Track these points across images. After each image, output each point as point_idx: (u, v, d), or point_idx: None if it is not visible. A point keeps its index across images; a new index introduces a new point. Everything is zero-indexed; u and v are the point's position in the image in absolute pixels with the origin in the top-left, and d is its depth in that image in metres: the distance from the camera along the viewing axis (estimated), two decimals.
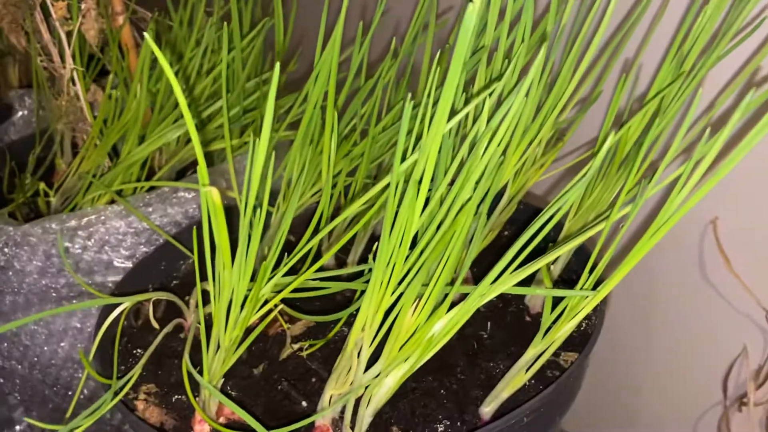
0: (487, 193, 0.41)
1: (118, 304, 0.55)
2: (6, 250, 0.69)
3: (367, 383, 0.44)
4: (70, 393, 0.80)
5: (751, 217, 0.62)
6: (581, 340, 0.54)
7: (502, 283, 0.41)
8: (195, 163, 0.83)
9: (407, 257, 0.40)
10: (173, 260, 0.69)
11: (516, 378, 0.47)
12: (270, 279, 0.45)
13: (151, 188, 0.71)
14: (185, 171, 0.82)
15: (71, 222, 0.66)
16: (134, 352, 0.58)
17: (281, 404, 0.51)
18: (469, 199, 0.37)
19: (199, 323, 0.47)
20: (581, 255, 0.60)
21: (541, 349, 0.46)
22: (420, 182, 0.37)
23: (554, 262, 0.59)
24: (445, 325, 0.41)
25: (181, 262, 0.70)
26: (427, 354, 0.43)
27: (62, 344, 0.76)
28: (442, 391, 0.51)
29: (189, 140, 0.75)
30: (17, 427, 0.89)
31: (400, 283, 0.41)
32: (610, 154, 0.51)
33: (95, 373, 0.49)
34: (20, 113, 0.93)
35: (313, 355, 0.55)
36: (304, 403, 0.51)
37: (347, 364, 0.45)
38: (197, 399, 0.50)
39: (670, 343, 0.76)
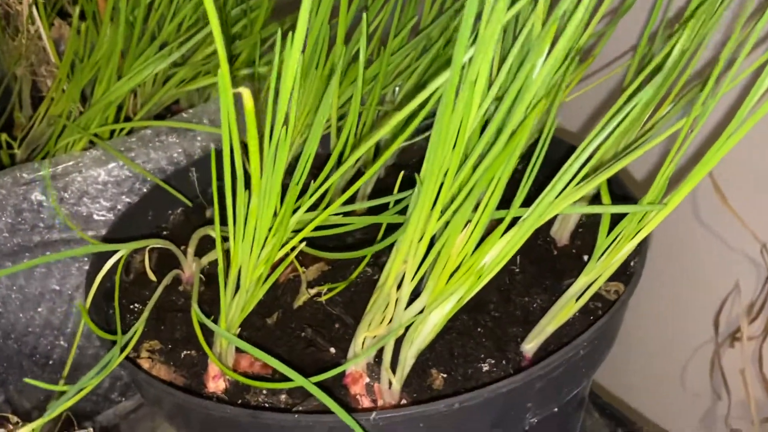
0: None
1: (110, 254, 0.49)
2: None
3: (409, 322, 0.40)
4: (51, 362, 0.73)
5: (747, 149, 0.58)
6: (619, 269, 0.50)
7: (564, 198, 0.36)
8: (171, 107, 0.76)
9: (456, 174, 0.35)
10: (161, 209, 0.63)
11: (564, 309, 0.43)
12: (296, 210, 0.40)
13: (130, 132, 0.65)
14: (162, 117, 0.75)
15: (45, 170, 0.59)
16: (131, 307, 0.52)
17: (305, 353, 0.46)
18: (534, 106, 0.33)
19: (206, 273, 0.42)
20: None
21: (593, 276, 0.42)
22: (475, 82, 0.32)
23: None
24: (500, 253, 0.37)
25: (170, 212, 0.64)
26: (477, 286, 0.38)
27: (39, 309, 0.69)
28: (478, 329, 0.47)
29: (166, 80, 0.68)
30: None
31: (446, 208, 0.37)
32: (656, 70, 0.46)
33: (97, 329, 0.44)
34: None
35: (333, 300, 0.51)
36: (332, 350, 0.46)
37: (383, 303, 0.41)
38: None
39: (662, 280, 0.73)
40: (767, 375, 0.79)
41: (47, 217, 0.63)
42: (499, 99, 0.35)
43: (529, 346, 0.46)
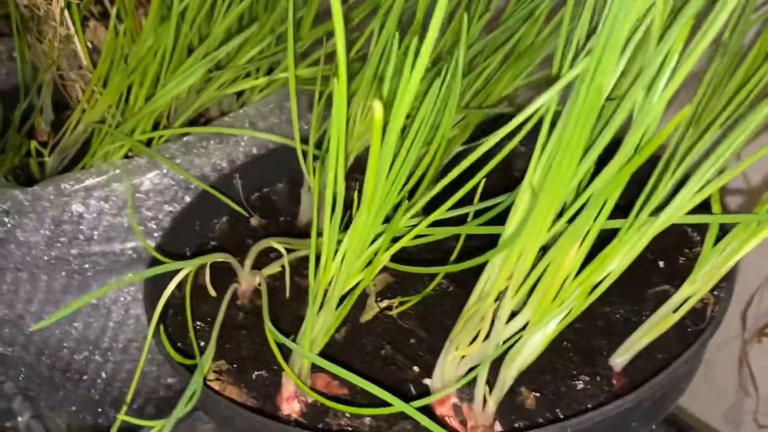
0: None
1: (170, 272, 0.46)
2: (7, 219, 0.58)
3: (509, 341, 0.38)
4: (84, 377, 0.71)
5: None
6: None
7: (683, 207, 0.34)
8: (203, 113, 0.73)
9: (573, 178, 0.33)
10: (206, 219, 0.61)
11: (662, 323, 0.41)
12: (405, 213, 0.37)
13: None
14: (195, 122, 0.73)
15: (88, 180, 0.57)
16: (194, 325, 0.49)
17: (386, 371, 0.44)
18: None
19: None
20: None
21: (695, 289, 0.40)
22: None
23: None
24: (616, 268, 0.35)
25: (215, 221, 0.61)
26: (585, 304, 0.36)
27: (75, 324, 0.67)
28: (563, 342, 0.45)
29: (200, 89, 0.65)
30: (20, 419, 0.80)
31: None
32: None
33: (175, 353, 0.41)
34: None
35: (404, 313, 0.48)
36: (415, 368, 0.44)
37: (476, 320, 0.39)
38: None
39: None
40: None
41: (86, 229, 0.60)
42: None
43: (619, 360, 0.44)
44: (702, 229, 0.52)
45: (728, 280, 0.44)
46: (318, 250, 0.38)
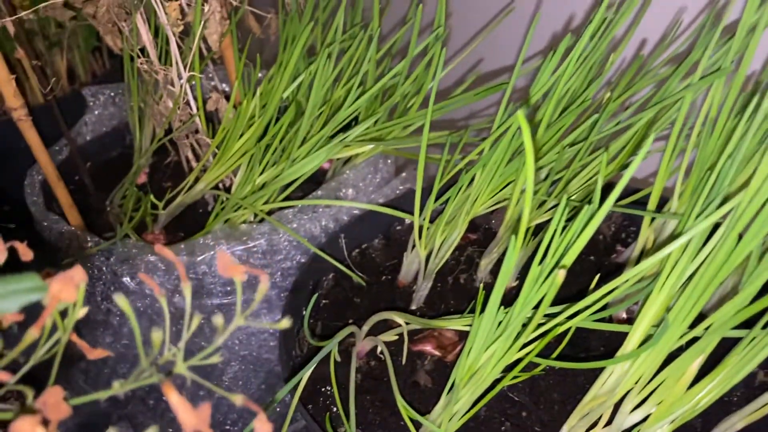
0: None
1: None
2: (137, 276, 0.64)
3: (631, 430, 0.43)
4: None
5: None
6: None
7: None
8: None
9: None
10: (317, 277, 0.66)
11: (758, 411, 0.46)
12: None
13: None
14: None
15: (218, 247, 0.62)
16: (321, 389, 0.55)
17: None
18: None
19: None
20: None
21: None
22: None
23: None
24: (722, 380, 0.40)
25: (324, 278, 0.67)
26: (699, 411, 0.41)
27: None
28: None
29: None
30: None
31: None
32: None
33: (328, 423, 0.47)
34: (96, 111, 0.87)
35: (514, 386, 0.54)
36: None
37: (597, 409, 0.44)
38: None
39: None
40: None
41: (207, 285, 0.66)
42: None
43: None
44: None
45: None
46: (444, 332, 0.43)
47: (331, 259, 0.63)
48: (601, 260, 0.65)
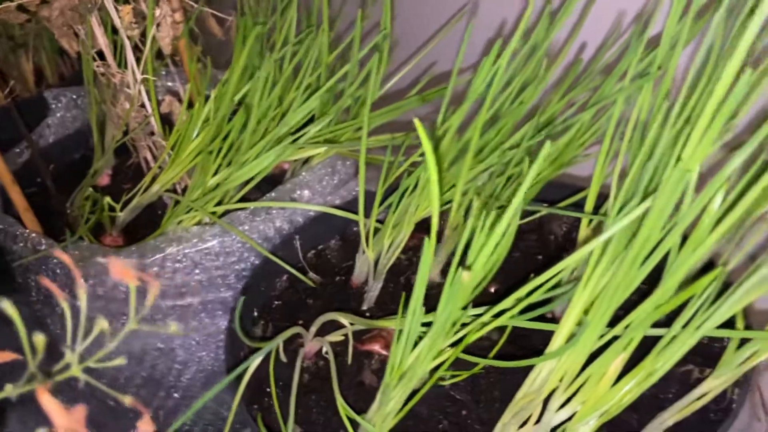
0: None
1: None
2: (90, 278, 0.65)
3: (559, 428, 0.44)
4: (148, 409, 0.77)
5: None
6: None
7: (715, 324, 0.40)
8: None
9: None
10: (271, 279, 0.67)
11: (688, 407, 0.47)
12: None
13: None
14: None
15: (168, 249, 0.63)
16: (263, 388, 0.56)
17: None
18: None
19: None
20: None
21: (720, 382, 0.46)
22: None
23: None
24: (658, 373, 0.41)
25: (277, 280, 0.67)
26: (627, 404, 0.42)
27: (144, 364, 0.73)
28: None
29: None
30: None
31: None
32: None
33: (261, 422, 0.47)
34: (58, 114, 0.87)
35: (456, 384, 0.54)
36: None
37: (528, 408, 0.45)
38: None
39: None
40: None
41: (162, 286, 0.66)
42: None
43: None
44: None
45: (748, 373, 0.50)
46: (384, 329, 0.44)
47: (281, 263, 0.64)
48: (551, 260, 0.66)
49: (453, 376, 0.54)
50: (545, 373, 0.43)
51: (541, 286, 0.42)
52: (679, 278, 0.37)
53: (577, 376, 0.42)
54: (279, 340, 0.51)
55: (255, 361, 0.50)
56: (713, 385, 0.46)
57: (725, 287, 0.41)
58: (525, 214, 0.65)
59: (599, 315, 0.38)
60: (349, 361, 0.57)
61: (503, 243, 0.40)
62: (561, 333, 0.42)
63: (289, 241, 0.68)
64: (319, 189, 0.72)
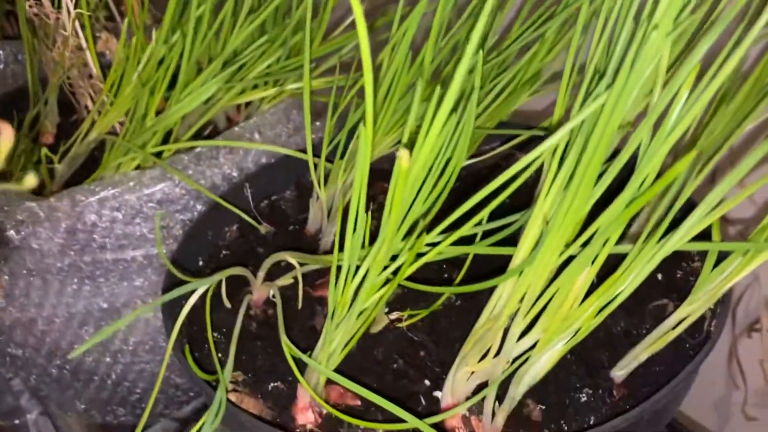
0: None
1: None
2: (22, 229, 0.60)
3: (520, 358, 0.40)
4: (95, 378, 0.72)
5: None
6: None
7: (685, 236, 0.36)
8: (211, 124, 0.75)
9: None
10: (218, 228, 0.62)
11: (661, 339, 0.44)
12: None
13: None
14: (203, 133, 0.74)
15: (102, 193, 0.58)
16: (205, 335, 0.51)
17: (397, 385, 0.46)
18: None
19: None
20: None
21: (696, 307, 0.42)
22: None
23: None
24: (625, 291, 0.37)
25: (226, 229, 0.63)
26: (594, 325, 0.38)
27: (86, 327, 0.68)
28: (567, 355, 0.47)
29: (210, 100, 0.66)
30: (29, 416, 0.81)
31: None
32: None
33: (198, 370, 0.43)
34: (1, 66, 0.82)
35: (413, 325, 0.50)
36: (426, 382, 0.46)
37: (488, 337, 0.40)
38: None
39: None
40: None
41: (99, 238, 0.61)
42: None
43: (620, 373, 0.46)
44: None
45: (725, 298, 0.46)
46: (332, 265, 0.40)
47: (231, 207, 0.59)
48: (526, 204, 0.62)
49: (411, 317, 0.50)
50: (506, 296, 0.39)
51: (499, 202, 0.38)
52: (656, 166, 0.33)
53: (540, 297, 0.38)
54: (220, 276, 0.47)
55: (191, 299, 0.45)
56: (689, 310, 0.42)
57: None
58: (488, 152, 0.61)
59: (559, 221, 0.34)
60: (300, 305, 0.52)
61: (463, 135, 0.35)
62: (522, 248, 0.38)
63: (239, 188, 0.64)
64: (271, 135, 0.67)
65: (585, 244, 0.35)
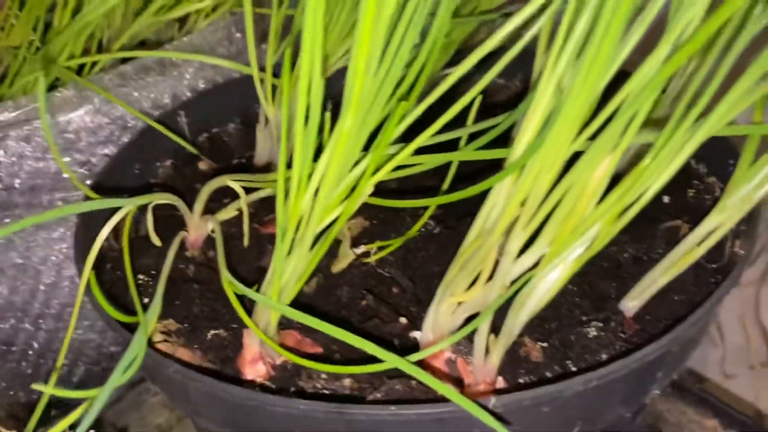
0: None
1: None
2: None
3: (519, 280, 0.32)
4: (14, 348, 0.62)
5: None
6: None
7: (724, 117, 0.28)
8: (140, 45, 0.65)
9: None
10: (148, 161, 0.53)
11: (684, 258, 0.36)
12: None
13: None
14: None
15: (3, 116, 0.48)
16: (136, 279, 0.42)
17: (369, 326, 0.38)
18: None
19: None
20: None
21: (728, 215, 0.35)
22: None
23: None
24: (654, 187, 0.29)
25: (158, 164, 0.53)
26: (612, 234, 0.31)
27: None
28: (567, 286, 0.39)
29: (138, 12, 0.56)
30: None
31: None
32: None
33: (111, 308, 0.34)
34: None
35: (383, 260, 0.42)
36: (402, 320, 0.38)
37: (478, 259, 0.32)
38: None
39: None
40: (763, 320, 0.78)
41: (6, 176, 0.52)
42: None
43: (632, 303, 0.38)
44: (709, 159, 0.47)
45: (752, 215, 0.39)
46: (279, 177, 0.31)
47: (167, 131, 0.50)
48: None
49: (381, 249, 0.42)
50: (502, 201, 0.31)
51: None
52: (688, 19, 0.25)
53: (545, 200, 0.30)
54: (137, 201, 0.37)
55: (103, 233, 0.36)
56: (718, 221, 0.35)
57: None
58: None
59: (577, 90, 0.26)
60: (246, 242, 0.44)
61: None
62: (523, 138, 0.30)
63: (173, 117, 0.54)
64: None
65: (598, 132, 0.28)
